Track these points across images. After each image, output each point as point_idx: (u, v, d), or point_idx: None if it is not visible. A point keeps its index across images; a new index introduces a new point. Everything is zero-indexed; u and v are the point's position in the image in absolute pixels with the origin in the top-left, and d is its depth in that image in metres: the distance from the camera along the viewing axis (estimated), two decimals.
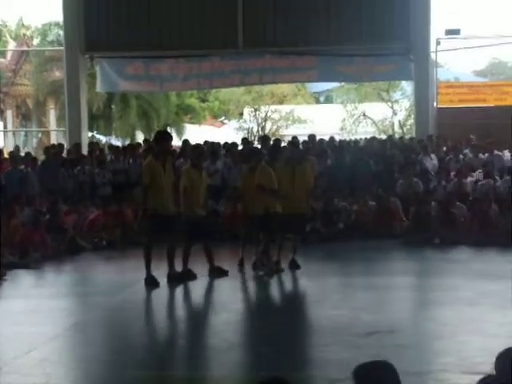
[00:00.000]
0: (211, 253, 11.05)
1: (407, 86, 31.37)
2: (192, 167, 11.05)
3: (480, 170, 16.07)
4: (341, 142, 19.12)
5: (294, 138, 17.03)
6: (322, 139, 18.17)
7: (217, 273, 10.96)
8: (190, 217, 10.74)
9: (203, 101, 40.48)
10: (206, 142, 17.36)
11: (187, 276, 10.71)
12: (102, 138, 31.81)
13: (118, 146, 20.05)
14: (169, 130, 36.16)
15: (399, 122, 34.64)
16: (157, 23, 20.09)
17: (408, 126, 32.91)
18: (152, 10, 20.13)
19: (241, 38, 19.95)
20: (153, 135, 28.44)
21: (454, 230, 13.86)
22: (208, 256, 11.01)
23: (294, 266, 11.35)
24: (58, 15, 25.89)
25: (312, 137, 17.85)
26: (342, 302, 9.36)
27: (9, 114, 34.25)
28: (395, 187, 15.67)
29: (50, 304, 9.53)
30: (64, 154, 17.58)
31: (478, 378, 5.97)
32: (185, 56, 20.57)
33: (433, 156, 17.00)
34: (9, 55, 34.41)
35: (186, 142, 17.99)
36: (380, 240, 13.90)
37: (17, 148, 20.08)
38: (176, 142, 19.87)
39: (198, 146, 13.74)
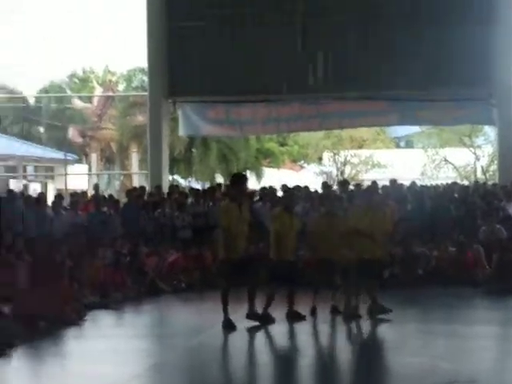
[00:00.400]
0: (293, 298, 11.02)
1: (490, 132, 30.91)
2: (284, 211, 11.09)
3: None
4: (421, 186, 18.92)
5: (374, 182, 16.96)
6: (401, 184, 18.01)
7: (295, 317, 10.92)
8: (280, 261, 10.76)
9: (282, 145, 40.75)
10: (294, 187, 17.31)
11: (266, 319, 10.69)
12: (182, 181, 32.32)
13: (198, 189, 20.30)
14: (248, 173, 36.58)
15: (482, 167, 34.09)
16: (238, 68, 20.32)
17: (491, 172, 32.36)
18: (234, 55, 20.42)
19: (320, 82, 19.99)
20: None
21: None
22: (290, 301, 10.98)
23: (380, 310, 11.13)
24: (142, 61, 26.65)
25: (393, 181, 17.69)
26: (422, 349, 9.18)
27: (93, 157, 35.24)
28: (477, 234, 15.38)
29: (129, 344, 9.66)
30: (145, 197, 17.89)
31: None
32: (265, 101, 20.80)
33: None
34: (95, 100, 35.47)
35: (264, 187, 18.15)
36: (461, 287, 13.63)
37: (96, 187, 20.50)
38: (255, 186, 20.01)
39: (289, 189, 13.64)
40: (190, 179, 33.52)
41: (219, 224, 10.66)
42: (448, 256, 14.69)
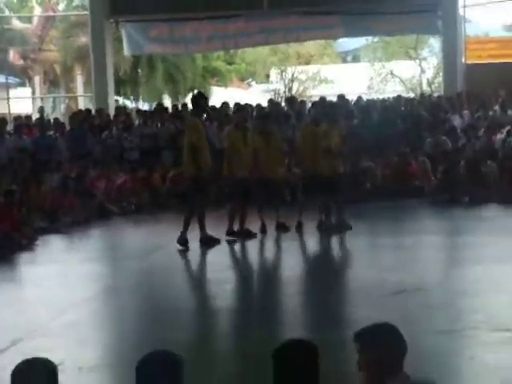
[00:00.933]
0: (245, 216, 11.09)
1: (435, 43, 30.96)
2: (236, 128, 11.06)
3: (509, 127, 15.85)
4: (368, 101, 18.96)
5: (340, 96, 17.07)
6: (347, 99, 18.02)
7: (246, 235, 11.02)
8: (233, 179, 10.83)
9: (229, 63, 40.28)
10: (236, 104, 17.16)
11: (247, 234, 10.92)
12: (129, 103, 31.90)
13: (145, 111, 20.06)
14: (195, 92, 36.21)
15: (427, 79, 34.24)
16: None
17: (436, 84, 32.52)
18: None
19: None
20: (180, 98, 28.43)
21: (483, 187, 13.74)
22: (242, 218, 11.05)
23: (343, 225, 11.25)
24: None
25: (341, 97, 17.66)
26: (370, 261, 9.37)
27: (37, 80, 34.42)
28: (423, 146, 15.54)
29: (80, 268, 9.65)
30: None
31: (508, 335, 6.04)
32: (209, 18, 20.48)
33: (462, 113, 16.81)
34: (35, 21, 34.45)
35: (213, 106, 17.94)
36: (407, 199, 13.83)
37: (41, 110, 20.11)
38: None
39: (242, 107, 13.51)
40: (136, 101, 33.04)
41: (188, 140, 10.45)
42: (393, 168, 14.85)
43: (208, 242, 10.50)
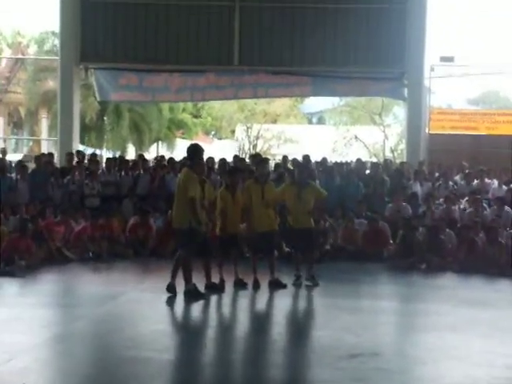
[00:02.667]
0: (210, 269, 11.06)
1: (399, 111, 31.53)
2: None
3: (468, 198, 16.10)
4: (333, 163, 19.14)
5: (306, 156, 17.24)
6: (310, 160, 18.16)
7: (210, 288, 10.97)
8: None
9: (196, 116, 40.55)
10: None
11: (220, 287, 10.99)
12: (94, 150, 31.80)
13: (109, 158, 20.01)
14: (160, 144, 36.28)
15: (390, 146, 34.78)
16: (153, 37, 20.19)
17: (399, 151, 33.05)
18: (148, 24, 20.22)
19: (237, 56, 20.07)
20: (144, 149, 28.46)
21: (441, 256, 13.87)
22: (206, 272, 11.02)
23: (278, 285, 11.42)
24: (55, 25, 25.97)
25: (306, 157, 17.83)
26: (327, 322, 9.32)
27: (0, 121, 34.24)
28: (384, 211, 15.68)
29: (32, 313, 9.46)
30: (56, 163, 17.57)
31: None
32: (179, 71, 20.64)
33: (422, 182, 17.04)
34: (3, 62, 34.42)
35: (171, 158, 18.09)
36: (367, 263, 13.91)
37: (3, 151, 19.95)
38: (167, 157, 19.81)
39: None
40: (101, 149, 32.96)
41: (187, 193, 10.37)
42: (354, 232, 14.94)
43: (195, 295, 10.43)
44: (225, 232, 11.44)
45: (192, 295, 10.35)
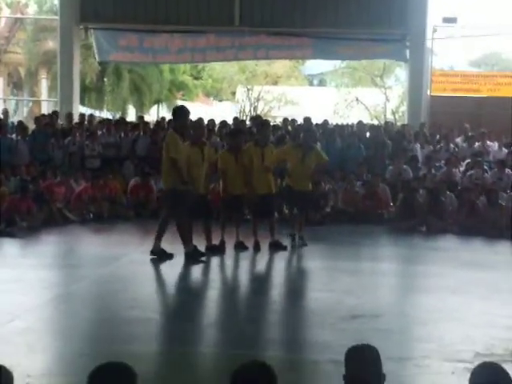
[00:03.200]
0: (210, 231, 11.06)
1: (401, 73, 31.32)
2: (193, 144, 10.98)
3: (469, 160, 16.09)
4: (334, 126, 19.07)
5: (307, 119, 17.20)
6: (312, 122, 18.10)
7: (209, 250, 10.98)
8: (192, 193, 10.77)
9: (196, 78, 40.29)
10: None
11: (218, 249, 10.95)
12: (93, 112, 31.67)
13: (109, 120, 19.94)
14: (161, 105, 36.13)
15: (391, 109, 34.62)
16: None
17: (400, 113, 32.87)
18: None
19: (237, 16, 19.88)
20: (145, 110, 28.31)
21: (442, 218, 13.90)
22: (206, 234, 11.03)
23: (278, 246, 11.48)
24: None
25: (307, 119, 17.78)
26: (328, 285, 9.37)
27: (0, 81, 34.03)
28: (385, 173, 15.68)
29: (34, 274, 9.49)
30: (58, 123, 17.50)
31: (459, 365, 6.07)
32: (180, 31, 20.48)
33: (424, 145, 17.01)
34: (2, 22, 34.11)
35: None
36: (367, 225, 13.94)
37: (5, 112, 19.85)
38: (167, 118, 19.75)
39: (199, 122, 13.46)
40: (101, 110, 32.81)
41: (169, 154, 10.31)
42: (355, 194, 14.94)
43: (195, 256, 10.39)
44: (227, 194, 11.44)
45: (191, 257, 10.35)
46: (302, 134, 12.65)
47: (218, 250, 11.04)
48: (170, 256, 10.43)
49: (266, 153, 11.55)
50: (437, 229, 13.60)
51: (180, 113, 10.73)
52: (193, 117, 17.56)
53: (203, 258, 10.47)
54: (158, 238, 10.45)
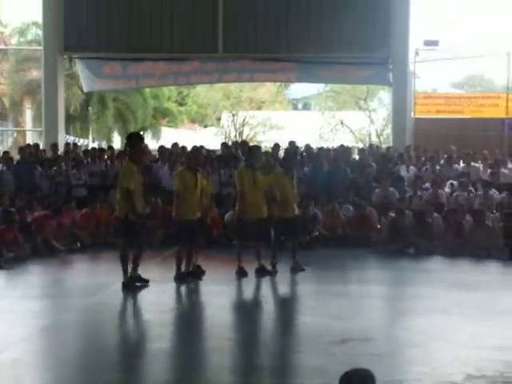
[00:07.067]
0: (192, 257, 11.03)
1: (384, 95, 31.53)
2: (187, 170, 10.96)
3: (453, 181, 16.16)
4: (319, 149, 19.13)
5: (292, 143, 17.26)
6: (297, 146, 18.20)
7: (195, 274, 10.99)
8: (180, 222, 10.73)
9: (181, 104, 40.39)
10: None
11: (197, 274, 10.97)
12: (77, 140, 31.66)
13: (95, 148, 19.93)
14: (146, 133, 36.16)
15: (376, 131, 34.78)
16: (136, 25, 20.09)
17: (385, 136, 33.06)
18: (132, 12, 20.11)
19: (221, 43, 19.98)
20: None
21: (429, 239, 13.91)
22: (188, 260, 10.99)
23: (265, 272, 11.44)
24: (37, 15, 25.74)
25: (292, 143, 17.83)
26: (317, 309, 9.35)
27: None
28: (371, 196, 15.71)
29: (22, 305, 9.42)
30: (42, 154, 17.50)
31: None
32: (164, 59, 20.56)
33: (409, 167, 17.07)
34: None
35: (162, 146, 18.03)
36: (355, 248, 13.94)
37: None
38: (153, 146, 19.82)
39: (196, 149, 13.42)
40: (86, 139, 32.80)
41: (120, 184, 10.37)
42: (338, 218, 14.93)
43: (130, 285, 10.29)
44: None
45: (127, 287, 10.22)
46: (287, 160, 12.68)
47: (197, 275, 11.00)
48: (145, 281, 10.44)
49: (257, 176, 11.53)
50: (424, 250, 13.62)
51: (132, 140, 10.67)
52: (179, 143, 17.76)
53: (146, 284, 10.41)
54: (124, 270, 10.40)
